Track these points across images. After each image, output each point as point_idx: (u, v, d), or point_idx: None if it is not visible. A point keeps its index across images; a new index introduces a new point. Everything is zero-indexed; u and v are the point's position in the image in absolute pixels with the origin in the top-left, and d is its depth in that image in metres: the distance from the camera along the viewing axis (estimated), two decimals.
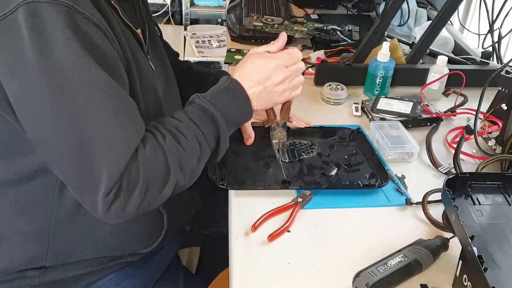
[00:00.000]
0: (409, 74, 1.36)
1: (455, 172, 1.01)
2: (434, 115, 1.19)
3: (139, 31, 0.89)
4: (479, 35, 1.53)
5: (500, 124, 1.11)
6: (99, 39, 0.71)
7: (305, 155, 1.05)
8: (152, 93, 0.87)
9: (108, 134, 0.70)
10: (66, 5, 0.67)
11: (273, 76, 0.87)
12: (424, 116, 1.18)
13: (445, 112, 1.22)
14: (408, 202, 0.93)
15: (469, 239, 0.68)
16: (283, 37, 0.91)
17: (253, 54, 0.89)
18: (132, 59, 0.80)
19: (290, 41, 1.61)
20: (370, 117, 1.19)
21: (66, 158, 0.70)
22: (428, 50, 1.41)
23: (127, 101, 0.74)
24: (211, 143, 0.81)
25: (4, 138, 0.78)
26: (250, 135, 1.06)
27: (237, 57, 1.52)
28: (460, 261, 0.72)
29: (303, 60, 1.43)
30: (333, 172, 0.99)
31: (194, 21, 3.06)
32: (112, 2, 0.79)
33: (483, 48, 1.49)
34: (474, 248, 0.66)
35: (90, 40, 0.69)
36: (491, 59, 1.45)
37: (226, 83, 0.85)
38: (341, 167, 1.01)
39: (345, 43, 1.59)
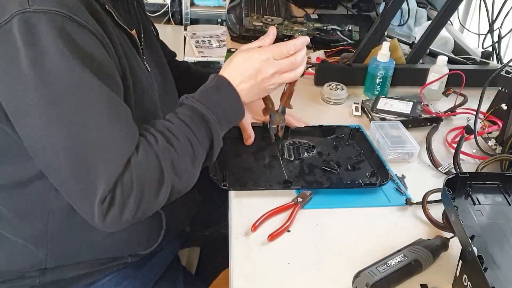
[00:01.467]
0: (409, 74, 1.36)
1: (455, 172, 1.01)
2: (434, 115, 1.19)
3: (134, 32, 0.89)
4: (479, 35, 1.53)
5: (500, 124, 1.11)
6: (94, 47, 0.71)
7: (306, 154, 1.05)
8: (148, 95, 0.87)
9: (103, 142, 0.70)
10: (61, 14, 0.67)
11: (263, 69, 0.84)
12: (424, 116, 1.18)
13: (445, 112, 1.22)
14: (408, 202, 0.93)
15: (469, 239, 0.68)
16: (272, 31, 0.89)
17: (243, 50, 0.87)
18: (127, 64, 0.80)
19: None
20: (370, 117, 1.19)
21: (61, 168, 0.70)
22: (428, 50, 1.41)
23: (122, 108, 0.74)
24: (204, 143, 0.80)
25: (1, 145, 0.78)
26: (250, 135, 1.06)
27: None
28: (460, 261, 0.72)
29: None
30: (335, 169, 1.00)
31: (194, 21, 3.06)
32: (106, 7, 0.79)
33: (483, 48, 1.49)
34: (474, 248, 0.66)
35: (84, 49, 0.69)
36: (491, 59, 1.45)
37: (214, 81, 0.83)
38: (342, 166, 1.01)
39: (345, 43, 1.59)
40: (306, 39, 0.88)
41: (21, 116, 0.70)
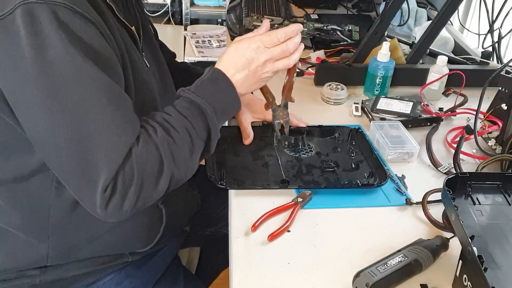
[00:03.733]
0: (409, 74, 1.36)
1: (455, 172, 1.01)
2: (434, 115, 1.19)
3: (133, 28, 0.89)
4: (479, 35, 1.53)
5: (500, 124, 1.11)
6: (96, 38, 0.72)
7: (304, 154, 1.05)
8: (147, 89, 0.88)
9: (105, 131, 0.71)
10: (63, 5, 0.68)
11: (255, 58, 0.84)
12: (424, 116, 1.18)
13: (445, 112, 1.22)
14: (408, 202, 0.93)
15: (469, 239, 0.68)
16: (265, 24, 0.90)
17: (235, 41, 0.88)
18: (127, 57, 0.81)
19: None
20: (370, 117, 1.19)
21: (63, 157, 0.71)
22: (428, 50, 1.41)
23: (123, 98, 0.75)
24: (201, 134, 0.81)
25: (3, 137, 0.79)
26: (249, 135, 1.06)
27: None
28: (460, 261, 0.72)
29: (302, 60, 1.43)
30: (333, 169, 1.00)
31: (194, 21, 3.06)
32: (107, 1, 0.80)
33: (483, 48, 1.49)
34: (474, 248, 0.66)
35: (86, 40, 0.70)
36: (491, 59, 1.45)
37: (209, 73, 0.85)
38: (340, 166, 1.01)
39: (345, 43, 1.59)
40: (298, 26, 0.88)
41: (24, 106, 0.70)
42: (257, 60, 0.85)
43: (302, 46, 0.89)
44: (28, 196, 0.84)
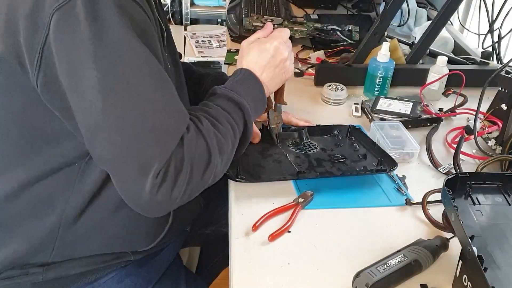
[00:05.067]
0: (409, 74, 1.36)
1: (455, 172, 1.01)
2: (434, 115, 1.19)
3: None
4: (479, 35, 1.53)
5: (500, 124, 1.11)
6: (149, 25, 0.75)
7: (310, 151, 1.06)
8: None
9: (160, 115, 0.72)
10: None
11: (279, 53, 0.92)
12: (424, 116, 1.19)
13: (445, 112, 1.22)
14: (408, 202, 0.93)
15: (469, 239, 0.68)
16: (269, 26, 0.97)
17: (249, 44, 0.94)
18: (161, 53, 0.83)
19: (291, 41, 1.61)
20: (370, 118, 1.19)
21: (116, 141, 0.70)
22: (428, 50, 1.41)
23: (172, 86, 0.77)
24: (241, 128, 0.84)
25: (38, 128, 0.79)
26: (258, 133, 1.07)
27: (237, 57, 1.52)
28: (460, 261, 0.72)
29: (303, 60, 1.44)
30: (343, 159, 1.02)
31: (194, 21, 3.06)
32: None
33: (483, 48, 1.49)
34: (474, 248, 0.66)
35: (141, 26, 0.73)
36: (491, 59, 1.45)
37: (242, 74, 0.89)
38: (348, 158, 1.03)
39: (345, 43, 1.59)
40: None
41: (80, 90, 0.70)
42: (282, 54, 0.93)
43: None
44: (50, 191, 0.84)
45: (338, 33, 1.63)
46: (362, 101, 1.25)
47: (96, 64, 0.69)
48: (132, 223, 0.89)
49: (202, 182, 0.76)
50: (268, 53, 0.91)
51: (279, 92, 1.01)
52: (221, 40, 2.80)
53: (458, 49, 1.52)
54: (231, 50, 1.57)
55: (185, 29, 2.94)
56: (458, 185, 0.80)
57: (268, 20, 1.67)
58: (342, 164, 1.01)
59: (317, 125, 1.13)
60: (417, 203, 0.92)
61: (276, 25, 1.64)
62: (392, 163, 0.97)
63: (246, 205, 0.91)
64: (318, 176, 0.96)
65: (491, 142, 1.10)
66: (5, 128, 0.82)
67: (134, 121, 0.70)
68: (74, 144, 0.80)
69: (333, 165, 1.01)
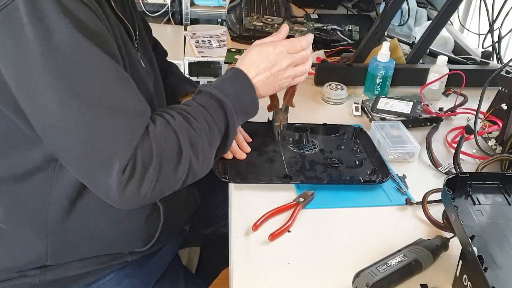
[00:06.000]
0: (409, 74, 1.36)
1: (455, 172, 1.01)
2: (434, 115, 1.19)
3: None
4: (479, 35, 1.53)
5: (500, 124, 1.11)
6: (97, 25, 0.72)
7: (308, 151, 1.06)
8: (144, 88, 0.87)
9: (117, 110, 0.71)
10: None
11: (278, 62, 0.89)
12: (424, 116, 1.18)
13: (445, 112, 1.22)
14: (408, 202, 0.93)
15: (469, 239, 0.68)
16: (285, 28, 0.94)
17: (258, 44, 0.92)
18: (125, 50, 0.81)
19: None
20: (370, 117, 1.19)
21: (76, 141, 0.70)
22: (428, 50, 1.41)
23: (130, 80, 0.75)
24: (221, 127, 0.82)
25: (2, 134, 0.78)
26: (247, 138, 1.06)
27: (237, 57, 1.52)
28: (460, 261, 0.72)
29: None
30: (336, 165, 1.01)
31: (194, 21, 3.06)
32: None
33: (483, 48, 1.49)
34: (474, 248, 0.66)
35: (89, 26, 0.71)
36: (491, 59, 1.45)
37: (231, 73, 0.87)
38: (343, 163, 1.02)
39: (345, 43, 1.59)
40: (312, 36, 0.94)
41: (32, 94, 0.69)
42: (280, 64, 0.89)
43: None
44: (27, 195, 0.83)
45: (338, 32, 1.64)
46: (362, 100, 1.25)
47: (45, 67, 0.67)
48: (122, 223, 0.88)
49: (175, 179, 0.75)
50: (267, 58, 0.88)
51: (289, 94, 1.01)
52: (221, 40, 2.80)
53: (458, 49, 1.52)
54: (231, 50, 1.57)
55: (185, 29, 2.94)
56: (458, 185, 0.80)
57: (268, 19, 1.67)
58: (334, 169, 1.00)
59: (324, 124, 1.13)
60: (417, 203, 0.92)
61: (276, 25, 1.64)
62: (384, 175, 0.96)
63: (246, 204, 0.90)
64: (304, 182, 0.95)
65: (491, 142, 1.10)
66: None
67: (90, 120, 0.69)
68: (42, 148, 0.79)
69: (325, 170, 1.00)
